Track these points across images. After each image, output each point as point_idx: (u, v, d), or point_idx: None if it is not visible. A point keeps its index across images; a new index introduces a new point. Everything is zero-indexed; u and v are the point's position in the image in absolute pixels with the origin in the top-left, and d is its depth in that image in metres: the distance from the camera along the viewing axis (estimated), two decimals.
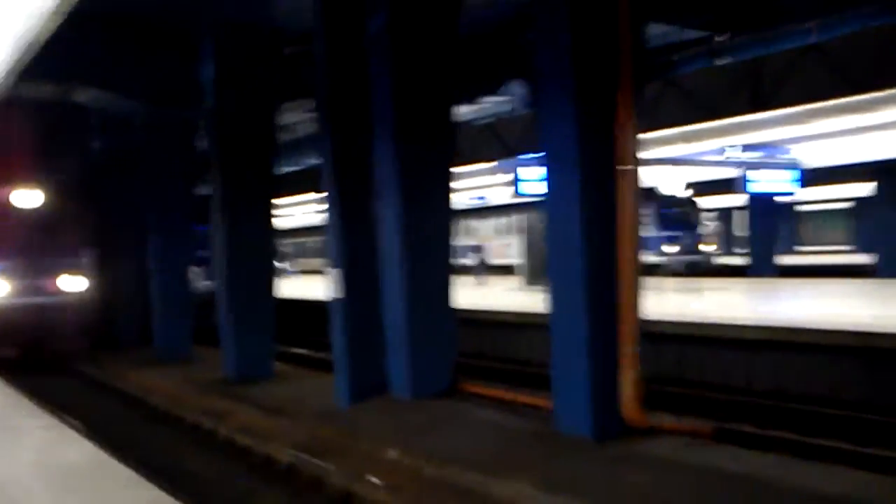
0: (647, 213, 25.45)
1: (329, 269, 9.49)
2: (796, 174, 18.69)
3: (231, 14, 10.46)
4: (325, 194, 9.60)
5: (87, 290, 14.84)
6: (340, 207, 9.26)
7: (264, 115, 11.47)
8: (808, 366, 10.28)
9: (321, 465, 7.48)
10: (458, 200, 30.72)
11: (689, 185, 23.48)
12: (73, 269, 14.67)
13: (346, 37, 9.13)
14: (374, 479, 7.01)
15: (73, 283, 14.64)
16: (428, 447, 7.51)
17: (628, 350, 6.84)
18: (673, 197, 22.32)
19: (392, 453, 7.64)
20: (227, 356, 11.55)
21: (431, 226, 8.91)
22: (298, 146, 16.72)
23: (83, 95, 13.19)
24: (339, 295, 9.27)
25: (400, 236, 8.72)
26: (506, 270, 27.00)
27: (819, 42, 9.61)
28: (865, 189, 26.43)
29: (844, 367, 9.91)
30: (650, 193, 20.25)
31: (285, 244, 38.77)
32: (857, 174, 26.62)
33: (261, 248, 11.69)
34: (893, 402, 9.30)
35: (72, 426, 7.60)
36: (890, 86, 11.53)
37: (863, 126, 16.43)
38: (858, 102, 13.05)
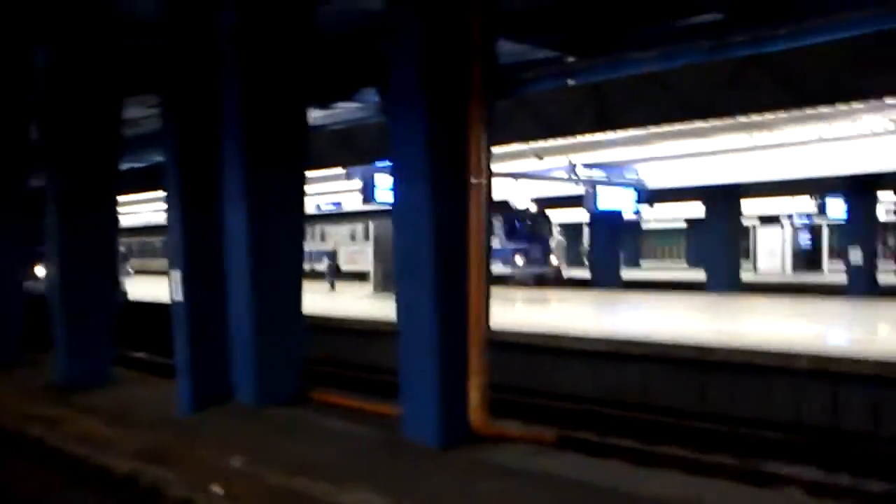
0: (499, 225, 26.12)
1: (171, 271, 9.17)
2: (636, 194, 19.68)
3: None
4: (168, 193, 9.28)
5: None
6: (183, 207, 8.93)
7: (105, 107, 10.93)
8: (642, 375, 10.85)
9: (160, 475, 7.21)
10: (313, 205, 30.56)
11: (539, 200, 24.25)
12: None
13: (194, 30, 8.86)
14: (217, 489, 6.84)
15: None
16: (273, 455, 7.38)
17: (475, 359, 6.96)
18: (525, 210, 22.99)
19: (236, 462, 7.47)
20: (59, 360, 10.92)
21: (280, 229, 8.76)
22: (145, 142, 16.07)
23: None
24: (181, 298, 8.97)
25: (246, 239, 8.53)
26: (360, 277, 27.00)
27: (659, 70, 10.19)
28: (700, 211, 28.12)
29: (681, 376, 10.51)
30: (502, 206, 20.76)
31: (125, 243, 37.11)
32: (692, 196, 28.41)
33: (100, 246, 11.11)
34: (723, 412, 9.97)
35: None
36: (725, 114, 12.37)
37: (695, 151, 17.61)
38: (692, 129, 13.95)
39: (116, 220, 11.67)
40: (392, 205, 7.52)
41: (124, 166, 17.59)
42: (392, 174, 7.36)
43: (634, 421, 9.95)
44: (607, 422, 10.07)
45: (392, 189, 7.34)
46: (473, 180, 6.85)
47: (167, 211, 9.28)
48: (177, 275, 9.01)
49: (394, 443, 7.31)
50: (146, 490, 7.15)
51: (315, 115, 13.77)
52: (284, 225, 8.84)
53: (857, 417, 8.99)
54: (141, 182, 17.66)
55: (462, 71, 6.85)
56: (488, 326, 7.24)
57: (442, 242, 6.84)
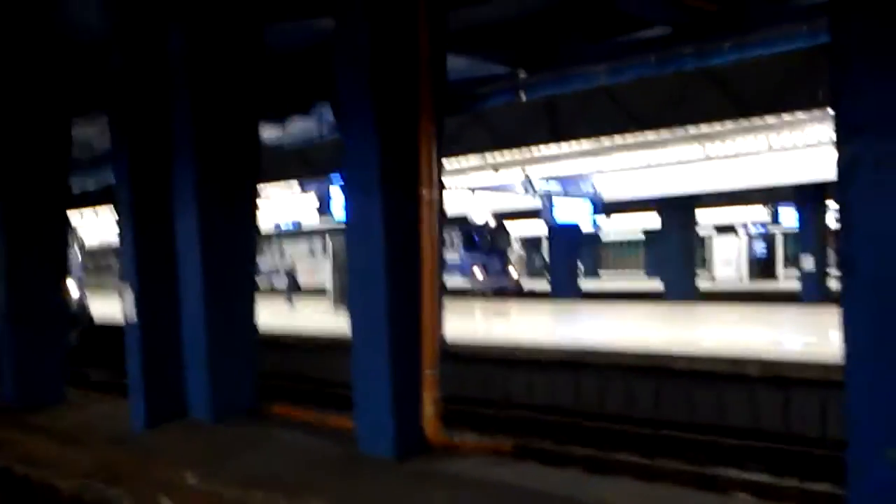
0: (458, 238, 26.26)
1: (123, 287, 9.10)
2: (593, 206, 19.90)
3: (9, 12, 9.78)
4: (120, 210, 9.20)
5: None
6: (135, 224, 8.87)
7: (53, 126, 10.82)
8: (600, 384, 10.97)
9: (111, 493, 7.13)
10: (270, 223, 30.31)
11: (498, 213, 24.43)
12: None
13: (143, 48, 8.81)
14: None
15: None
16: (229, 471, 7.34)
17: (429, 371, 7.00)
18: (484, 224, 23.16)
19: (190, 478, 7.41)
20: (5, 378, 10.72)
21: (233, 245, 8.73)
22: (98, 162, 15.93)
23: None
24: (134, 315, 8.90)
25: (199, 255, 8.47)
26: (319, 292, 26.91)
27: (608, 84, 10.38)
28: (656, 222, 28.50)
29: (634, 385, 10.65)
30: (461, 220, 20.91)
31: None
32: (648, 207, 28.80)
33: (51, 261, 10.94)
34: (676, 418, 10.12)
35: None
36: (673, 126, 12.60)
37: (649, 163, 17.88)
38: (644, 141, 14.20)
39: (66, 238, 11.52)
40: (344, 219, 7.54)
41: (80, 188, 17.48)
42: (343, 189, 7.38)
43: (589, 429, 10.06)
44: (564, 431, 10.17)
45: (344, 204, 7.36)
46: (425, 194, 6.89)
47: (119, 229, 9.20)
48: (129, 292, 8.95)
49: (349, 455, 7.31)
50: None
51: (272, 133, 13.81)
52: (237, 241, 8.81)
53: (806, 421, 9.16)
54: (94, 202, 17.45)
55: (411, 85, 6.90)
56: (442, 339, 7.28)
57: (394, 256, 6.87)
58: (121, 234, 9.18)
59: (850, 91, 4.33)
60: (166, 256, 8.86)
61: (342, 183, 7.55)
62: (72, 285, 15.19)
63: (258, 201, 9.13)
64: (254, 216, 9.06)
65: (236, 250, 8.82)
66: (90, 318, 18.08)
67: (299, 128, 12.69)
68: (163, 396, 8.93)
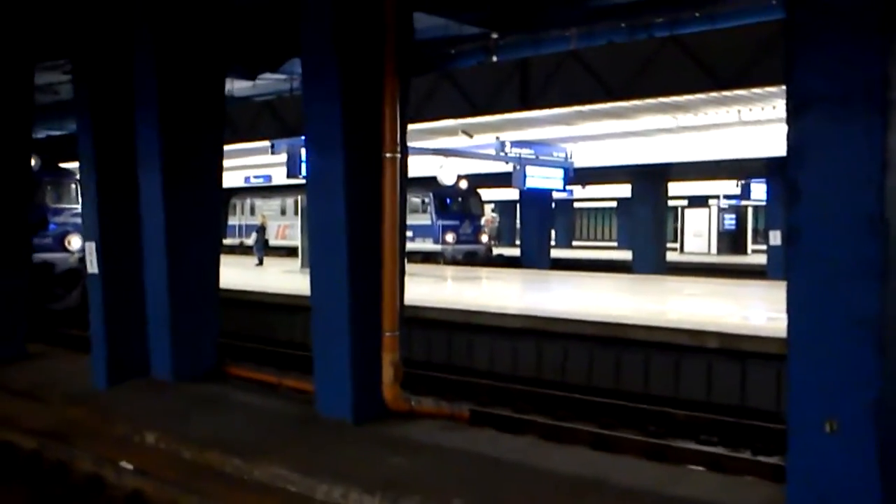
0: (430, 202, 26.14)
1: (86, 242, 8.98)
2: (563, 172, 19.85)
3: None
4: (81, 162, 9.05)
5: None
6: (97, 176, 8.71)
7: (14, 73, 10.57)
8: (563, 353, 11.03)
9: (69, 451, 7.09)
10: (241, 178, 29.91)
11: (471, 177, 24.30)
12: None
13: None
14: (127, 464, 6.76)
15: None
16: (187, 431, 7.32)
17: (389, 334, 6.99)
18: (454, 187, 23.04)
19: (149, 437, 7.39)
20: None
21: (197, 202, 8.63)
22: (61, 109, 15.62)
23: None
24: (96, 269, 8.79)
25: (162, 209, 8.38)
26: (291, 252, 26.76)
27: (579, 49, 10.33)
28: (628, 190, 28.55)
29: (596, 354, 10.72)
30: (433, 183, 20.77)
31: None
32: (620, 177, 28.83)
33: (9, 214, 10.76)
34: (633, 389, 10.22)
35: None
36: (644, 96, 12.58)
37: (621, 132, 17.89)
38: (615, 109, 14.20)
39: (29, 192, 11.32)
40: (306, 178, 7.45)
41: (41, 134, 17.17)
42: (306, 147, 7.28)
43: (550, 397, 10.14)
44: (523, 398, 10.23)
45: (306, 162, 7.27)
46: (388, 155, 6.82)
47: (80, 181, 9.06)
48: (91, 246, 8.83)
49: (308, 418, 7.31)
50: (53, 466, 7.04)
51: (241, 86, 13.60)
52: (201, 196, 8.71)
53: (762, 395, 9.27)
54: (58, 151, 17.16)
55: (376, 43, 6.80)
56: (402, 303, 7.26)
57: (356, 217, 6.81)
58: (83, 186, 9.03)
59: (801, 65, 4.33)
60: (129, 212, 8.75)
61: (305, 140, 7.44)
62: (75, 239, 15.04)
63: (223, 156, 9.01)
64: (219, 171, 8.95)
65: (200, 207, 8.72)
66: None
67: (270, 82, 12.52)
68: (125, 354, 8.89)
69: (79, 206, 13.91)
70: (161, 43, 8.34)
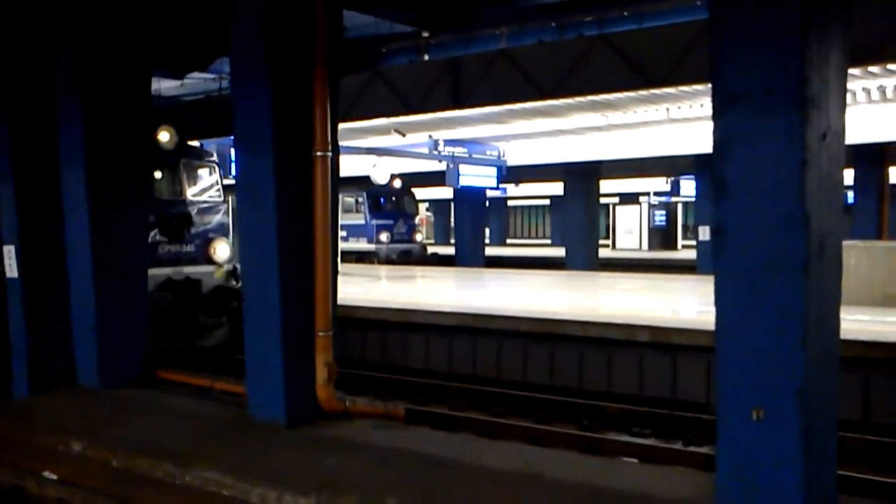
0: (364, 201, 26.04)
1: (4, 246, 8.67)
2: (497, 171, 20.00)
3: None
4: None
5: None
6: (16, 176, 8.41)
7: None
8: (497, 350, 11.09)
9: None
10: None
11: (404, 176, 24.28)
12: None
13: None
14: (50, 475, 6.57)
15: None
16: (116, 438, 7.17)
17: (322, 335, 6.92)
18: (388, 186, 22.98)
19: (76, 445, 7.21)
20: None
21: (123, 202, 8.42)
22: None
23: None
24: (16, 274, 8.51)
25: (87, 211, 8.16)
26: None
27: (508, 48, 10.40)
28: (560, 188, 28.85)
29: (531, 350, 10.80)
30: (365, 182, 20.68)
31: None
32: (553, 175, 29.15)
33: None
34: (568, 384, 10.32)
35: None
36: (574, 94, 12.74)
37: (552, 130, 18.10)
38: (547, 107, 14.36)
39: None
40: (235, 178, 7.34)
41: None
42: (235, 146, 7.17)
43: (485, 394, 10.18)
44: (459, 395, 10.26)
45: (235, 162, 7.16)
46: (318, 153, 6.76)
47: None
48: (10, 249, 8.54)
49: (241, 421, 7.20)
50: None
51: (169, 85, 13.34)
52: (127, 195, 8.51)
53: (693, 387, 9.45)
54: None
55: (306, 41, 6.72)
56: (335, 302, 7.21)
57: (286, 216, 6.73)
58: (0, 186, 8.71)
59: (726, 63, 4.42)
60: (52, 213, 8.49)
61: (234, 140, 7.33)
62: (222, 246, 13.04)
63: (149, 156, 8.79)
64: (146, 173, 8.74)
65: (127, 207, 8.52)
66: None
67: (199, 81, 12.32)
68: (49, 361, 8.65)
69: (221, 199, 12.01)
70: (82, 38, 8.13)
